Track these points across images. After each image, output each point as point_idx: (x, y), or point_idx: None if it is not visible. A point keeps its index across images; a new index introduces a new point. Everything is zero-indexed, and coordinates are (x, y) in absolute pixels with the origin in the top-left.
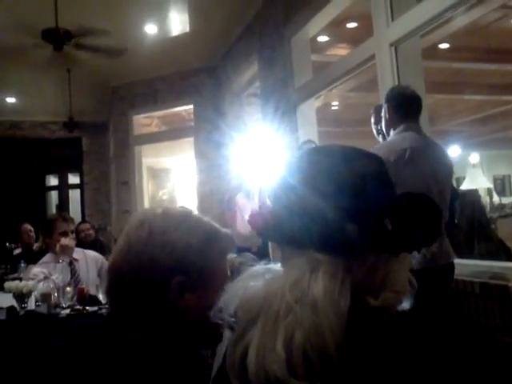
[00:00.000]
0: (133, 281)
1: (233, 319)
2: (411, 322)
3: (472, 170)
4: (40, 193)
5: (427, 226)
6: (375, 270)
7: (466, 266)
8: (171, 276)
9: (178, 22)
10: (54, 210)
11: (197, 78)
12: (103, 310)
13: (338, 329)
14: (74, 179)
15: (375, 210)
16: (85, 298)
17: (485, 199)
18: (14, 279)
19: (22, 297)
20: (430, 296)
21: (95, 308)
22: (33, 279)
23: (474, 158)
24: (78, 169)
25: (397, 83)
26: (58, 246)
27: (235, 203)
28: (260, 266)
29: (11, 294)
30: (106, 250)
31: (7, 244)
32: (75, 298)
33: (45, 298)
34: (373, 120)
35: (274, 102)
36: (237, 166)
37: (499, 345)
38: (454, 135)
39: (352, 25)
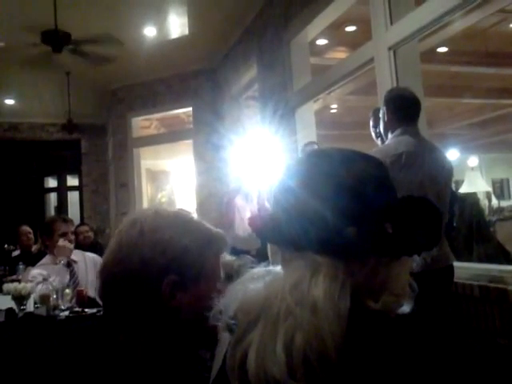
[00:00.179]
0: (124, 281)
1: (232, 321)
2: (411, 325)
3: (471, 173)
4: (39, 195)
5: (428, 230)
6: (375, 273)
7: (465, 269)
8: (163, 276)
9: (177, 25)
10: (52, 212)
11: (196, 80)
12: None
13: (338, 332)
14: (72, 181)
15: (375, 213)
16: (84, 300)
17: (483, 202)
18: (13, 281)
19: (20, 299)
20: (429, 299)
21: (94, 310)
22: (31, 281)
23: (473, 161)
24: (76, 171)
25: (395, 86)
26: (56, 247)
27: (234, 205)
28: (260, 269)
29: (10, 296)
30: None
31: (6, 246)
32: (74, 300)
33: (43, 300)
34: (371, 123)
35: (273, 104)
36: (235, 168)
37: (498, 348)
38: (452, 139)
39: (351, 28)
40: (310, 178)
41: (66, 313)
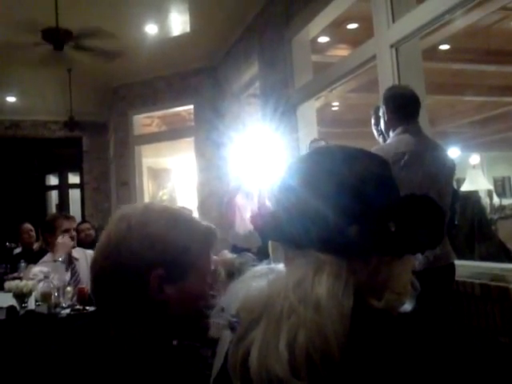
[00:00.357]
0: (113, 276)
1: (234, 319)
2: (413, 323)
3: (472, 171)
4: (40, 192)
5: (431, 228)
6: (378, 271)
7: (466, 268)
8: (150, 269)
9: (178, 23)
10: (54, 210)
11: (197, 78)
12: None
13: (341, 330)
14: (74, 179)
15: (377, 212)
16: (85, 298)
17: (485, 200)
18: (14, 279)
19: (22, 296)
20: (431, 297)
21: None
22: (33, 279)
23: (475, 159)
24: (78, 168)
25: (397, 84)
26: (55, 243)
27: (235, 204)
28: (262, 266)
29: (11, 294)
30: None
31: (7, 243)
32: (75, 298)
33: (45, 297)
34: (373, 121)
35: (274, 102)
36: (236, 166)
37: (500, 346)
38: (454, 136)
39: (352, 26)
40: (312, 176)
41: (68, 310)
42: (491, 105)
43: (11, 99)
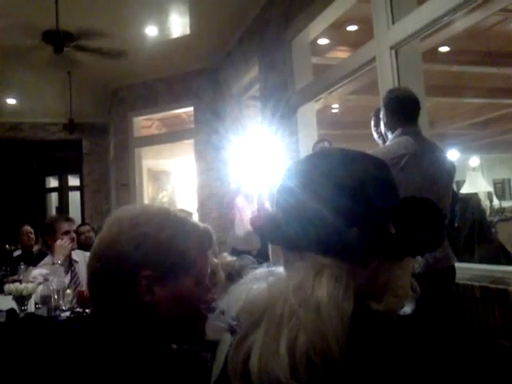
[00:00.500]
0: (103, 278)
1: (234, 322)
2: (413, 326)
3: (472, 173)
4: (40, 194)
5: (431, 231)
6: (378, 274)
7: (466, 270)
8: (138, 270)
9: (178, 24)
10: (53, 212)
11: (197, 80)
12: None
13: (342, 333)
14: (73, 181)
15: (377, 214)
16: (85, 301)
17: (485, 203)
18: (14, 281)
19: (21, 299)
20: (431, 300)
21: None
22: (32, 282)
23: (474, 161)
24: (78, 171)
25: (397, 86)
26: (54, 246)
27: (234, 206)
28: (263, 269)
29: (11, 297)
30: None
31: (7, 246)
32: (75, 301)
33: (45, 300)
34: (373, 123)
35: (274, 104)
36: (236, 168)
37: (500, 349)
38: (453, 138)
39: (352, 28)
40: (311, 178)
41: (67, 313)
42: (491, 107)
43: (11, 101)
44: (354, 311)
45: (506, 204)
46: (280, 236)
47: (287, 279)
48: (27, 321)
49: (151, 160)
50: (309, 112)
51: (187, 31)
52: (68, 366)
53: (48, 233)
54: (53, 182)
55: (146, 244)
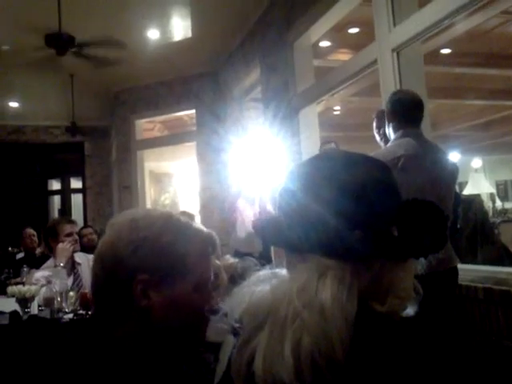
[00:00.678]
0: (102, 281)
1: (238, 324)
2: (416, 328)
3: (474, 174)
4: (42, 197)
5: (433, 232)
6: (381, 275)
7: (469, 272)
8: (135, 274)
9: (180, 28)
10: (56, 215)
11: (199, 82)
12: None
13: (346, 334)
14: (76, 183)
15: (380, 216)
16: (88, 303)
17: (487, 204)
18: (17, 284)
19: (24, 301)
20: (434, 301)
21: None
22: (35, 284)
23: (477, 162)
24: (80, 173)
25: (398, 88)
26: (56, 249)
27: (236, 209)
28: (266, 271)
29: (14, 299)
30: None
31: (10, 248)
32: (78, 303)
33: (48, 302)
34: (375, 125)
35: (276, 106)
36: (238, 171)
37: (503, 350)
38: (455, 140)
39: (354, 30)
40: (313, 181)
41: (70, 315)
42: (493, 108)
43: (14, 104)
44: (357, 313)
45: (508, 205)
46: (283, 239)
47: (291, 281)
48: (30, 323)
49: (153, 162)
50: (310, 114)
51: (189, 34)
52: (69, 369)
53: (51, 235)
54: (55, 185)
55: (145, 248)
